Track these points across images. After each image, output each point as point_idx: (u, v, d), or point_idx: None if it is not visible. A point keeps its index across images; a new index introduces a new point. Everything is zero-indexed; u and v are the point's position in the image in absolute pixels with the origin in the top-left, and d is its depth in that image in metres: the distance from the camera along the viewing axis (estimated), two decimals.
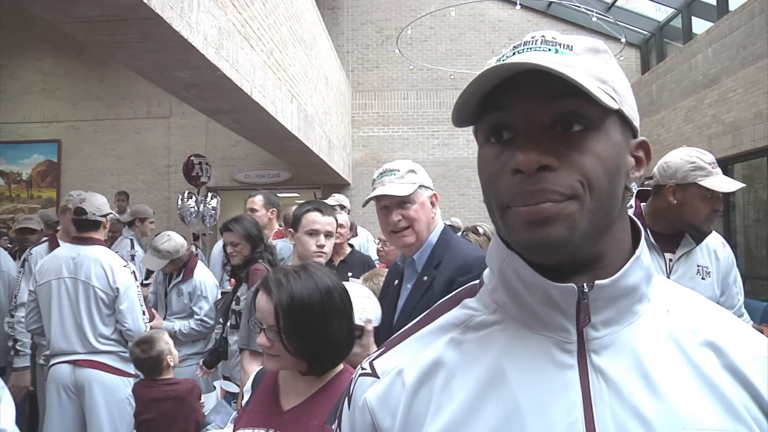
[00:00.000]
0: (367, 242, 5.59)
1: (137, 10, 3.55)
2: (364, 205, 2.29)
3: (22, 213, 6.32)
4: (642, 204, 2.48)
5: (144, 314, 3.49)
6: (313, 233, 2.65)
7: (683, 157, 2.34)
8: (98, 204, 3.57)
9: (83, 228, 3.54)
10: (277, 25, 6.69)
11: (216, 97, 5.71)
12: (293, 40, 7.59)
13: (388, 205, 2.09)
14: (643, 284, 0.73)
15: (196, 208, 8.91)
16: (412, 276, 2.11)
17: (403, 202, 2.07)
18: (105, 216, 3.59)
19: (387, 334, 2.06)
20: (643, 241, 0.74)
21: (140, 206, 6.32)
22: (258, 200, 4.49)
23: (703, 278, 2.36)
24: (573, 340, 0.70)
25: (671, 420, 0.65)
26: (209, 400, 3.30)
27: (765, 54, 8.02)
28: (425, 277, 2.04)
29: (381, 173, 2.12)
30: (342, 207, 5.35)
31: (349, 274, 3.07)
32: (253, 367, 2.52)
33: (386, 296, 2.25)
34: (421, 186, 2.12)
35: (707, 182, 2.25)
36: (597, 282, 0.69)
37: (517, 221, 0.68)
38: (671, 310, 0.74)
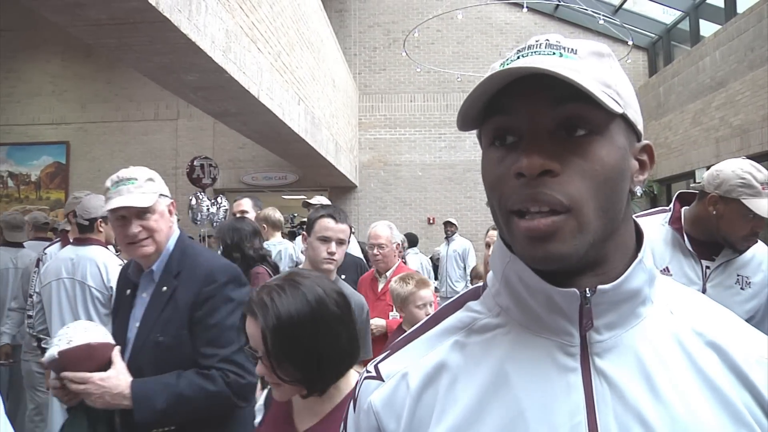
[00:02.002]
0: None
1: (145, 14, 3.57)
2: (103, 215, 2.17)
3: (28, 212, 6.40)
4: (684, 208, 2.37)
5: None
6: (325, 240, 2.61)
7: (735, 170, 2.21)
8: (89, 206, 3.56)
9: (81, 230, 3.58)
10: (284, 27, 6.71)
11: (223, 100, 5.73)
12: (300, 42, 7.60)
13: (126, 215, 1.97)
14: (646, 287, 0.73)
15: (209, 208, 8.96)
16: (149, 285, 2.02)
17: (143, 212, 1.97)
18: (97, 219, 3.54)
19: (122, 344, 1.97)
20: (645, 244, 0.74)
21: None
22: (245, 202, 4.50)
23: (742, 288, 2.24)
24: (576, 343, 0.70)
25: (674, 424, 0.65)
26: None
27: None
28: (164, 288, 1.96)
29: (117, 182, 1.99)
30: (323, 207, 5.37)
31: (342, 276, 3.00)
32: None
33: (119, 307, 2.16)
34: (160, 195, 2.03)
35: (751, 203, 2.13)
36: (599, 287, 0.69)
37: (520, 236, 0.68)
38: (674, 311, 0.75)
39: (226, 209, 9.16)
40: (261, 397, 1.65)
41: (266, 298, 1.39)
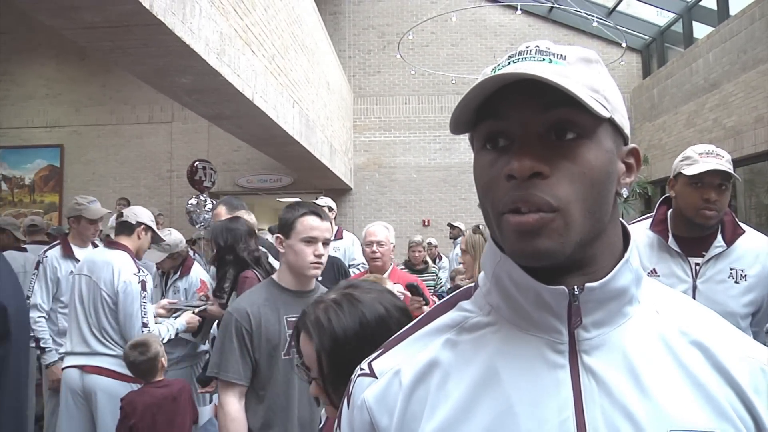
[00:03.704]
0: (352, 245, 5.56)
1: (139, 17, 3.57)
2: (147, 223, 1.99)
3: (24, 217, 6.38)
4: (670, 211, 2.41)
5: (145, 326, 3.43)
6: (311, 241, 2.27)
7: (683, 152, 2.32)
8: (137, 211, 3.72)
9: (117, 231, 3.69)
10: (278, 30, 6.72)
11: (218, 103, 5.74)
12: (295, 45, 7.61)
13: None
14: (633, 286, 0.75)
15: (209, 212, 8.97)
16: None
17: None
18: (141, 224, 3.66)
19: None
20: (632, 245, 0.76)
21: (149, 208, 6.60)
22: (221, 210, 4.40)
23: (736, 281, 2.25)
24: (564, 341, 0.72)
25: (659, 419, 0.67)
26: (203, 414, 3.29)
27: (765, 58, 8.03)
28: None
29: None
30: (329, 209, 5.33)
31: (319, 278, 2.75)
32: (229, 399, 2.18)
33: None
34: None
35: (688, 169, 2.22)
36: (587, 285, 0.71)
37: (509, 231, 0.70)
38: (660, 311, 0.77)
39: None
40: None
41: (322, 316, 1.28)
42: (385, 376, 0.80)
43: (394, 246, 3.88)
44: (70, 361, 3.46)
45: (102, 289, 3.43)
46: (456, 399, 0.73)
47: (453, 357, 0.77)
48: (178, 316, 3.86)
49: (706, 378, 0.71)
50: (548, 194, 0.68)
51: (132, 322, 3.40)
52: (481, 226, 2.97)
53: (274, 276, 2.42)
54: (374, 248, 3.67)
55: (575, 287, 0.70)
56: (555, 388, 0.70)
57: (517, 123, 0.70)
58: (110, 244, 3.65)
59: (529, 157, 0.68)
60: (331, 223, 2.42)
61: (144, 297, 3.49)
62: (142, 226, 3.67)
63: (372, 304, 1.30)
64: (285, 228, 2.31)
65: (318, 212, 2.34)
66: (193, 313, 4.04)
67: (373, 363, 0.83)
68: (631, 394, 0.69)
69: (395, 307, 1.33)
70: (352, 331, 1.26)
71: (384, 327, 1.26)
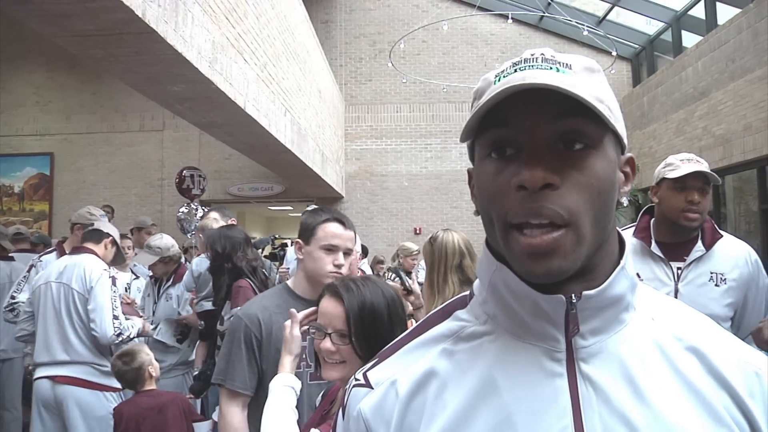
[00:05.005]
0: None
1: (132, 25, 3.57)
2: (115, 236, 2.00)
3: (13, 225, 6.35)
4: (652, 220, 2.50)
5: (116, 319, 3.47)
6: (332, 249, 2.14)
7: (663, 161, 2.45)
8: (109, 227, 3.84)
9: (85, 238, 3.76)
10: (270, 39, 6.72)
11: (209, 111, 5.73)
12: (287, 53, 7.62)
13: None
14: (629, 293, 0.75)
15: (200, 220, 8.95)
16: None
17: None
18: (110, 237, 3.76)
19: None
20: (627, 252, 0.76)
21: (141, 217, 6.69)
22: (214, 216, 4.27)
23: (717, 285, 2.33)
24: (562, 349, 0.72)
25: (657, 426, 0.67)
26: (201, 430, 3.24)
27: (753, 67, 8.11)
28: None
29: None
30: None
31: None
32: (232, 410, 2.06)
33: None
34: None
35: (671, 173, 2.34)
36: (585, 293, 0.70)
37: (519, 250, 0.69)
38: (656, 318, 0.77)
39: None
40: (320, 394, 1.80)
41: (352, 285, 1.59)
42: (381, 386, 0.79)
43: (360, 254, 3.84)
44: (40, 372, 3.46)
45: (74, 290, 3.48)
46: (453, 409, 0.73)
47: (450, 367, 0.76)
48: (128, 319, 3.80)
49: (701, 384, 0.71)
50: (559, 206, 0.67)
51: (103, 314, 3.46)
52: (440, 233, 2.88)
53: (289, 282, 2.30)
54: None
55: (572, 295, 0.70)
56: (553, 396, 0.70)
57: (526, 132, 0.69)
58: (76, 249, 3.72)
59: (541, 168, 0.66)
60: (355, 232, 2.32)
61: (114, 291, 3.57)
62: (111, 238, 3.77)
63: (388, 288, 1.66)
64: (306, 233, 2.19)
65: (342, 219, 2.21)
66: (179, 315, 4.05)
67: (368, 373, 0.82)
68: (629, 402, 0.69)
69: (397, 295, 1.68)
70: (376, 299, 1.58)
71: (394, 304, 1.62)
